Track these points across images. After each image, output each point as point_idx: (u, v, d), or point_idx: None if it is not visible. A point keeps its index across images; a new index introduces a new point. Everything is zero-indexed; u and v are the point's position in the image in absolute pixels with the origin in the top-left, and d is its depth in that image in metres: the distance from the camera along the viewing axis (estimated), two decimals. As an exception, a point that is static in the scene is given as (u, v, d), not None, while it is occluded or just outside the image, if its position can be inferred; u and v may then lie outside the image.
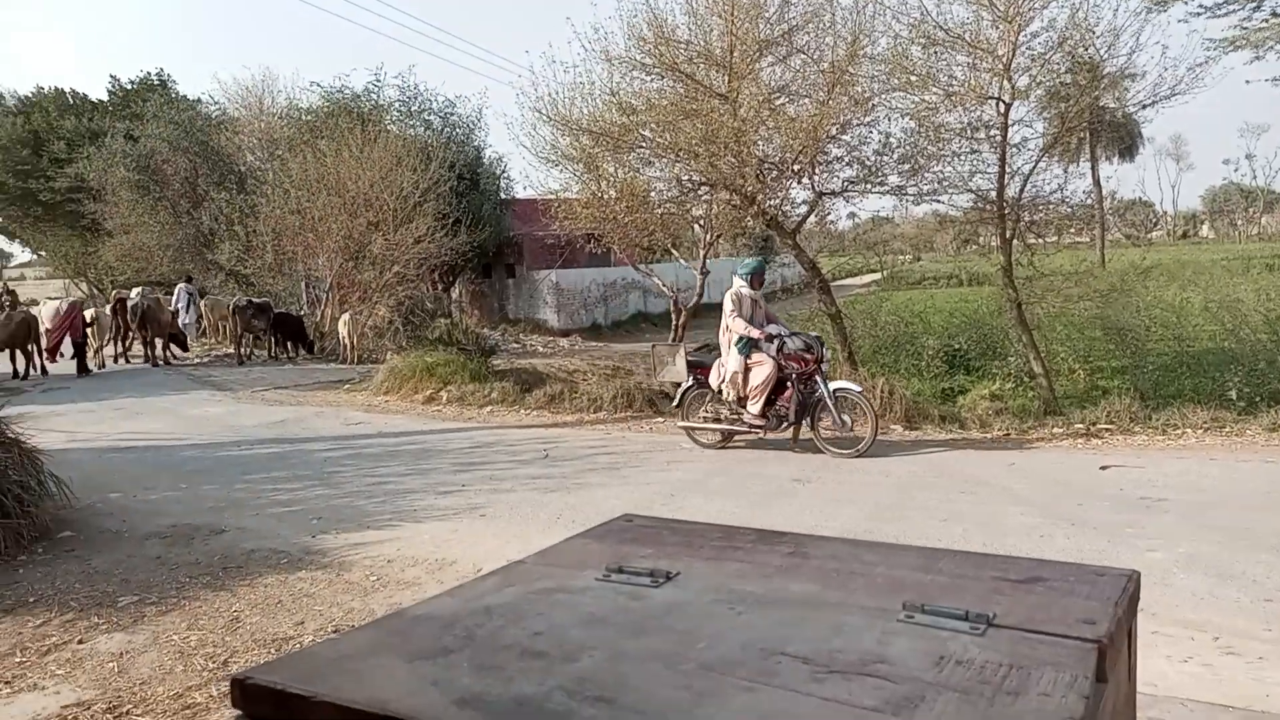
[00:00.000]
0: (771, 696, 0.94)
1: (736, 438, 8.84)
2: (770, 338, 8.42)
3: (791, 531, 1.52)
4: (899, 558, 1.38)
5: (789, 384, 8.38)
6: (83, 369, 17.11)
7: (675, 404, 9.39)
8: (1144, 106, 10.45)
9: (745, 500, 6.81)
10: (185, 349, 19.65)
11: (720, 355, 8.74)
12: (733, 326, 8.47)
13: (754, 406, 8.43)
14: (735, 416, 8.63)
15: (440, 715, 0.91)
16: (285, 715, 0.99)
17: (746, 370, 8.44)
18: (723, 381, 8.58)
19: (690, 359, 9.20)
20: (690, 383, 9.07)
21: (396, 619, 1.23)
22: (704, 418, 8.90)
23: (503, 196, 25.26)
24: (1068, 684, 0.95)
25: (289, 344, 19.10)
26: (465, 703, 0.93)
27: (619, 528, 1.62)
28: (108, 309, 18.96)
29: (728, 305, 8.53)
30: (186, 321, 19.96)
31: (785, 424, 8.49)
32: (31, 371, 16.36)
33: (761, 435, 8.60)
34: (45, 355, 17.29)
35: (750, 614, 1.17)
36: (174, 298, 19.95)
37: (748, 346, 8.46)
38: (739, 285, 8.60)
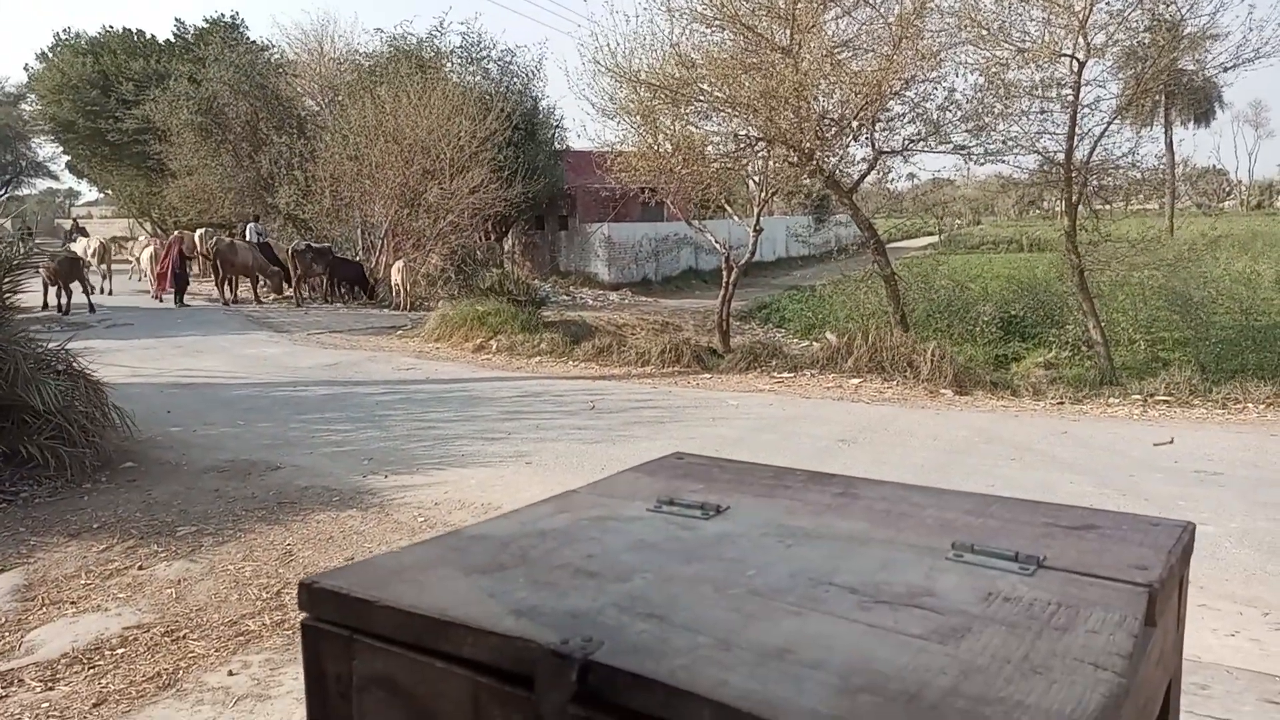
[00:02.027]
0: (819, 621, 0.96)
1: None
2: None
3: (842, 474, 1.53)
4: (949, 501, 1.38)
5: None
6: (179, 300, 18.59)
7: None
8: (1225, 69, 10.09)
9: (789, 458, 6.81)
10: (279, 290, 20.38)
11: None
12: None
13: None
14: None
15: (497, 623, 0.94)
16: (349, 618, 1.03)
17: None
18: None
19: None
20: None
21: (454, 537, 1.27)
22: None
23: (557, 148, 25.16)
24: (1116, 623, 0.95)
25: (350, 288, 19.43)
26: (521, 613, 0.97)
27: (670, 464, 1.65)
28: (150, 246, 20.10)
29: None
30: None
31: None
32: (91, 305, 17.18)
33: None
34: (156, 285, 19.30)
35: (799, 547, 1.19)
36: (246, 238, 20.69)
37: None
38: None
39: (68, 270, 16.73)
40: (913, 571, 1.09)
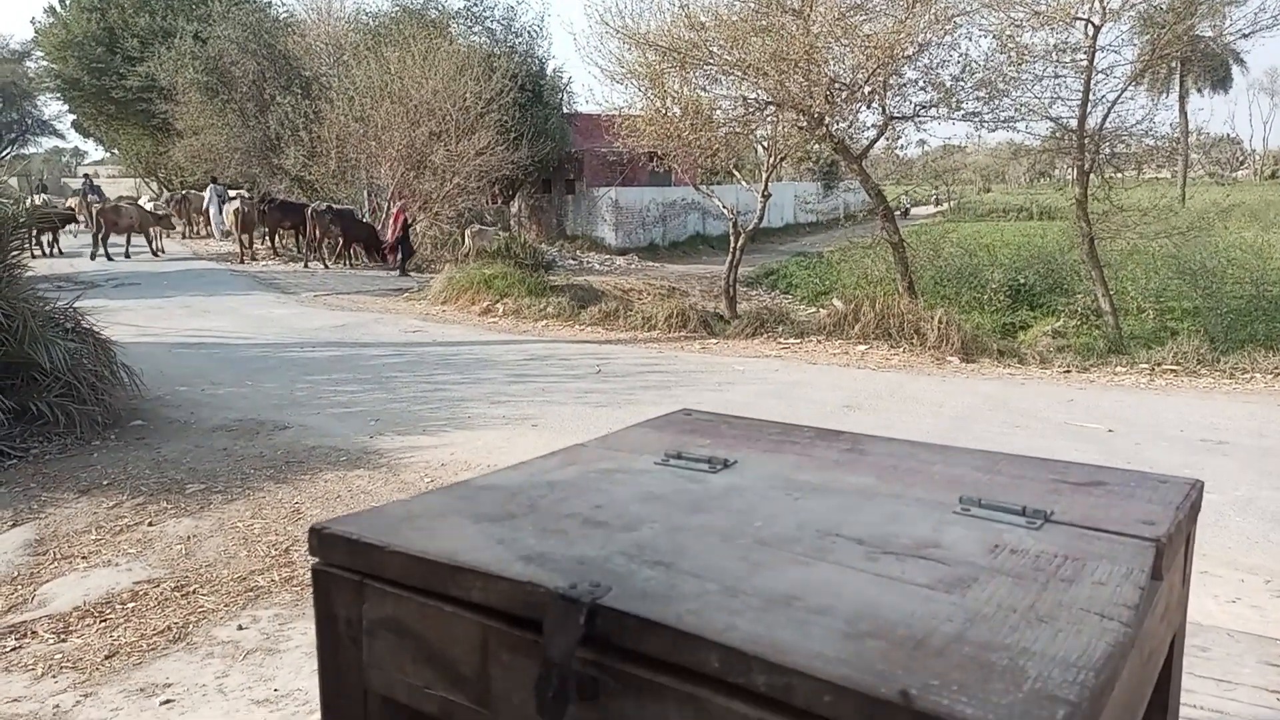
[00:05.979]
0: (826, 570, 0.97)
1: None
2: None
3: (849, 431, 1.53)
4: (957, 458, 1.38)
5: None
6: (404, 269, 17.99)
7: None
8: (1244, 36, 9.91)
9: (795, 422, 6.81)
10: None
11: None
12: None
13: None
14: None
15: (506, 568, 0.95)
16: (358, 563, 1.04)
17: None
18: None
19: None
20: None
21: (463, 487, 1.27)
22: None
23: (564, 111, 24.92)
24: (1123, 575, 0.95)
25: (367, 250, 19.33)
26: (530, 559, 0.97)
27: (678, 419, 1.65)
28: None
29: None
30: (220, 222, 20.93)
31: None
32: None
33: None
34: (385, 250, 18.77)
35: (807, 500, 1.20)
36: (205, 199, 20.62)
37: None
38: None
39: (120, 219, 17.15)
40: (920, 524, 1.10)
